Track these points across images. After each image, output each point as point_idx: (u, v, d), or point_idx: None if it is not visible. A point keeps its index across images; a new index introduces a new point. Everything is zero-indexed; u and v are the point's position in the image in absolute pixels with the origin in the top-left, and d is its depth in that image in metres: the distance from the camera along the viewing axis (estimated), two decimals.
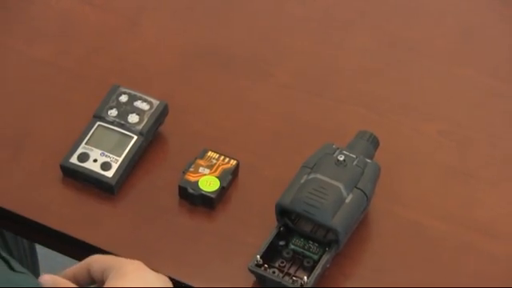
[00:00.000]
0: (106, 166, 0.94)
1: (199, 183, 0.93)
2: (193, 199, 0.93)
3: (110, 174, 0.94)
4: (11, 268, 0.72)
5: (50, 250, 0.99)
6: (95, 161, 0.95)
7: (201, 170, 0.95)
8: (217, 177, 0.94)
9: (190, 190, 0.93)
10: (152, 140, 0.99)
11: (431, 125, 1.04)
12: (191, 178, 0.94)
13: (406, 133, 1.03)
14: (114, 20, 1.14)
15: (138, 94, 1.00)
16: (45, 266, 1.29)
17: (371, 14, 1.16)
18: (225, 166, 0.95)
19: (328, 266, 0.88)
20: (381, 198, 0.93)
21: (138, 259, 0.90)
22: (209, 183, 0.93)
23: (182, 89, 1.07)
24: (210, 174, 0.94)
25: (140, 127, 0.97)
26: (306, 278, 0.85)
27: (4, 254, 0.73)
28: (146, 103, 0.99)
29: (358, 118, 1.04)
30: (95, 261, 0.79)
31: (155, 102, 0.99)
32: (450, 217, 0.95)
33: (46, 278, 0.76)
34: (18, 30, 1.11)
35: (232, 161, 0.96)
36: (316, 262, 0.87)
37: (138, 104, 0.99)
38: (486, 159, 1.01)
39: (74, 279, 0.79)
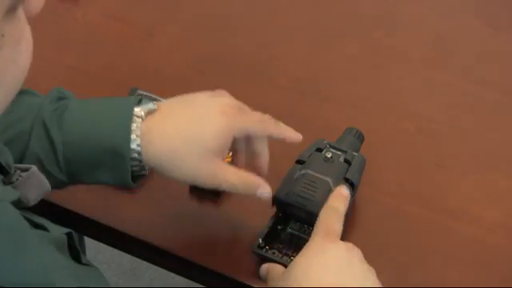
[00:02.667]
0: None
1: None
2: (202, 189, 0.90)
3: None
4: (79, 259, 0.66)
5: None
6: None
7: None
8: None
9: None
10: None
11: (410, 122, 1.03)
12: None
13: (387, 129, 1.02)
14: (133, 31, 1.14)
15: (154, 96, 0.99)
16: None
17: (356, 25, 1.16)
18: (230, 160, 0.90)
19: None
20: (366, 186, 0.91)
21: (153, 241, 0.88)
22: None
23: (192, 91, 1.02)
24: None
25: None
26: None
27: (77, 245, 0.68)
28: None
29: (345, 115, 1.03)
30: None
31: None
32: (425, 202, 0.94)
33: None
34: (49, 41, 1.10)
35: None
36: None
37: None
38: (458, 152, 1.00)
39: None
